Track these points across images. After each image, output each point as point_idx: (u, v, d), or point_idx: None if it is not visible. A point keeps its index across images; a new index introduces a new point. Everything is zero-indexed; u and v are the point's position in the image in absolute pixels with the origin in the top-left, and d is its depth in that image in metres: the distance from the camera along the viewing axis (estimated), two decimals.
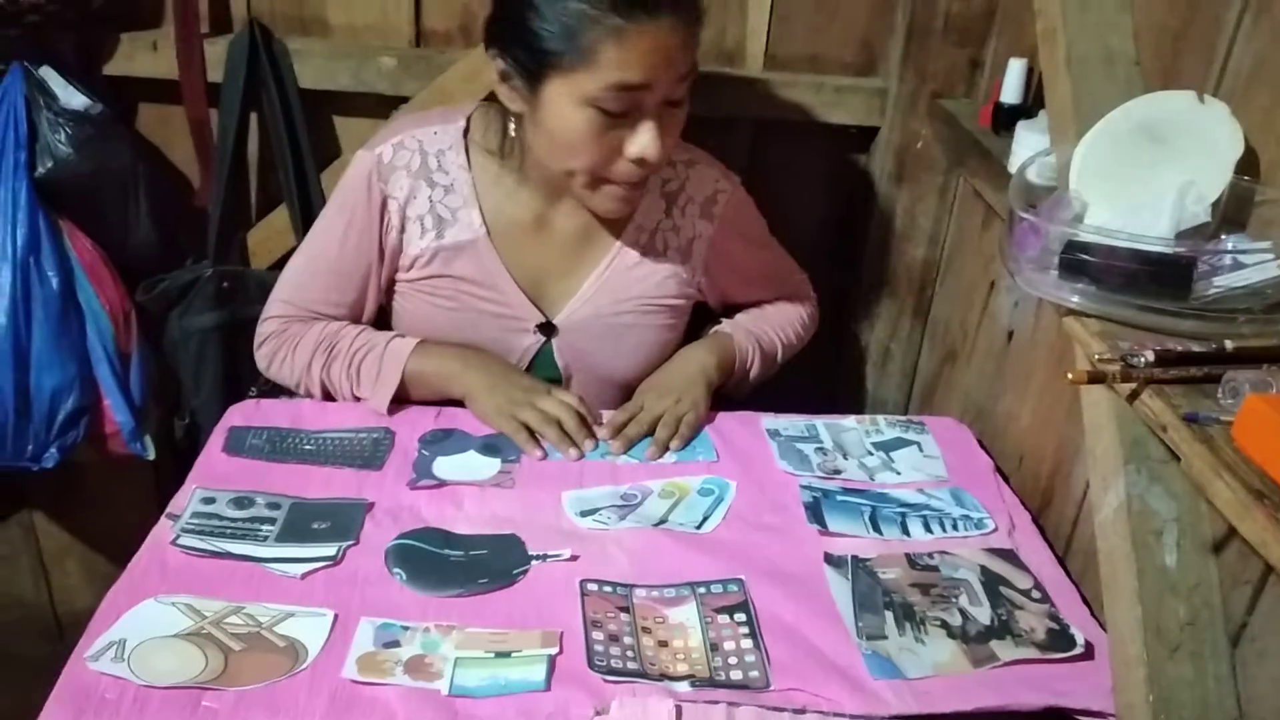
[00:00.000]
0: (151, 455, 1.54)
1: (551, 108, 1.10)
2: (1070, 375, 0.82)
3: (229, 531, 1.03)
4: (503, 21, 1.13)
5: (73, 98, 1.42)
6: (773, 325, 1.41)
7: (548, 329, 1.29)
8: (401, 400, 1.25)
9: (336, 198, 1.27)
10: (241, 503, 1.08)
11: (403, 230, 1.25)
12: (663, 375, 1.32)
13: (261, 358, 1.31)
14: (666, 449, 1.22)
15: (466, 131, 1.26)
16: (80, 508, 1.78)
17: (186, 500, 1.08)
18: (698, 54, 1.13)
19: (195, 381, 1.59)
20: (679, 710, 0.85)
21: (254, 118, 1.58)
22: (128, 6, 1.53)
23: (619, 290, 1.29)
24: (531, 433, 1.21)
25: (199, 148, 1.56)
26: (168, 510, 1.06)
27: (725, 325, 1.39)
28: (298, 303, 1.29)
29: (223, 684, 0.85)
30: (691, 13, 1.09)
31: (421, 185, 1.24)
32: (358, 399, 1.26)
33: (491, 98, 1.23)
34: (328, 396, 1.28)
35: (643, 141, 1.10)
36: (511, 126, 1.20)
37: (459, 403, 1.26)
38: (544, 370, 1.31)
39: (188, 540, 1.01)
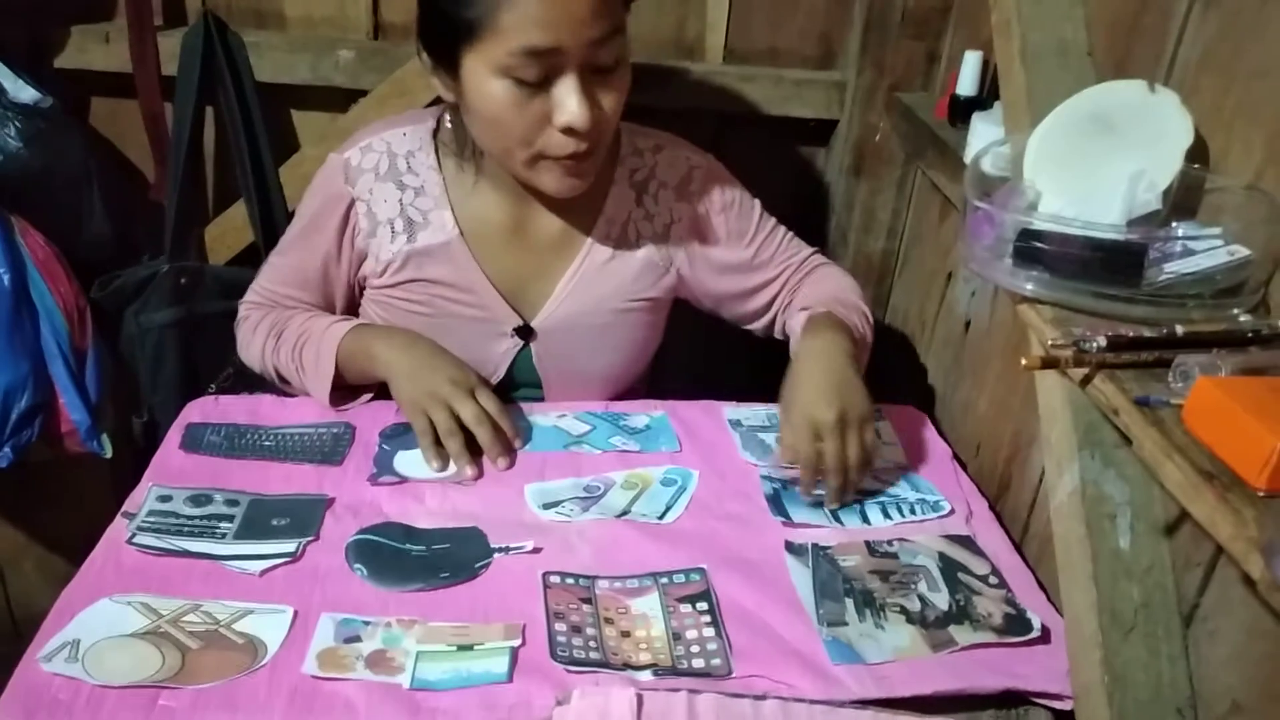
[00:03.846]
0: (108, 454, 1.52)
1: (471, 85, 1.07)
2: (1025, 361, 0.83)
3: (186, 529, 1.02)
4: (421, 12, 1.11)
5: (22, 91, 1.40)
6: (837, 288, 1.30)
7: (525, 332, 1.27)
8: (344, 388, 1.24)
9: (305, 200, 1.27)
10: (199, 500, 1.07)
11: (373, 234, 1.23)
12: (808, 384, 1.11)
13: (238, 345, 1.32)
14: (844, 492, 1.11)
15: (436, 132, 1.23)
16: (36, 508, 1.75)
17: (143, 498, 1.06)
18: (624, 17, 1.06)
19: (153, 379, 1.57)
20: (640, 699, 0.85)
21: (210, 111, 1.56)
22: None
23: (594, 288, 1.27)
24: (436, 437, 1.15)
25: (154, 142, 1.54)
26: (123, 509, 1.05)
27: (810, 309, 1.26)
28: (266, 293, 1.30)
29: (180, 682, 0.84)
30: None
31: (390, 188, 1.21)
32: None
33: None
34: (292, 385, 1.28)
35: (568, 109, 1.04)
36: (455, 119, 1.18)
37: None
38: (523, 374, 1.29)
39: (144, 539, 1.00)
